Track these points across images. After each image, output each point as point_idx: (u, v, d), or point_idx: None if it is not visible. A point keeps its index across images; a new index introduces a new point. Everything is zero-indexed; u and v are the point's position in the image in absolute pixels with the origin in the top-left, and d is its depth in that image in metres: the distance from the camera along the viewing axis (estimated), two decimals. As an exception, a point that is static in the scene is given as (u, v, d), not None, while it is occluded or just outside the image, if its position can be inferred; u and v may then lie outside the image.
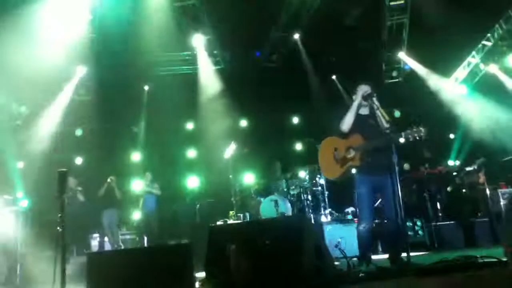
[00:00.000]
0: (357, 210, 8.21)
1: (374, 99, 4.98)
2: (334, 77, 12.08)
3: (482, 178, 9.19)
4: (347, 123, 5.03)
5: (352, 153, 4.98)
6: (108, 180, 9.21)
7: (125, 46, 10.75)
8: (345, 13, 10.74)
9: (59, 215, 3.69)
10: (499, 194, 8.35)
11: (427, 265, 3.71)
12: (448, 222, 8.64)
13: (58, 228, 3.68)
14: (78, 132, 11.48)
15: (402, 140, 4.69)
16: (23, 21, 8.42)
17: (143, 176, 9.83)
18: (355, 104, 5.06)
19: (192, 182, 11.21)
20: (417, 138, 4.61)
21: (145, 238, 9.35)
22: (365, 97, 5.01)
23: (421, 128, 4.59)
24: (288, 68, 11.53)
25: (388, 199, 4.95)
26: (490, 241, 8.03)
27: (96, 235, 9.34)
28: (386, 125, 4.78)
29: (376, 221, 7.78)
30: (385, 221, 5.19)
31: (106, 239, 9.23)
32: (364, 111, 5.15)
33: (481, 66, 11.32)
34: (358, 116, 5.09)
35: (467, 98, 11.76)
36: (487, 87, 11.33)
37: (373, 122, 5.00)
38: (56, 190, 3.86)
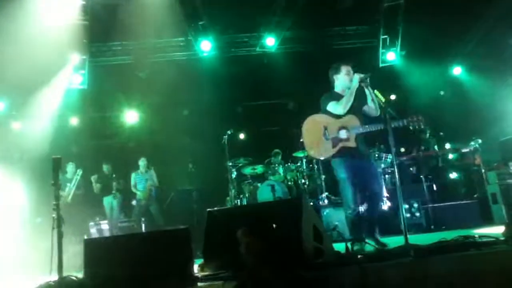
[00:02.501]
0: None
1: (368, 80, 4.95)
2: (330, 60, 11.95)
3: (478, 160, 9.22)
4: (345, 107, 4.98)
5: (345, 134, 4.94)
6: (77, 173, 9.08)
7: (119, 33, 10.65)
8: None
9: (54, 202, 3.65)
10: (495, 175, 8.36)
11: (427, 245, 3.72)
12: (444, 204, 8.67)
13: (53, 216, 3.65)
14: (74, 121, 11.37)
15: (400, 124, 4.69)
16: (13, 8, 8.28)
17: (136, 162, 9.75)
18: (354, 87, 4.99)
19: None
20: (417, 127, 4.65)
21: (143, 225, 9.33)
22: (362, 79, 4.96)
23: (420, 117, 4.63)
24: (284, 53, 11.45)
25: (372, 180, 4.97)
26: (486, 222, 8.08)
27: (92, 223, 9.32)
28: (377, 108, 4.81)
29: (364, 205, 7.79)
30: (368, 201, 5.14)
31: (103, 226, 9.22)
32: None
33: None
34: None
35: (462, 78, 11.77)
36: (483, 67, 11.32)
37: (360, 103, 5.04)
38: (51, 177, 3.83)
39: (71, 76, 10.19)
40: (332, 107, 5.07)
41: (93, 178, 9.49)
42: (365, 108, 5.12)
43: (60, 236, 3.55)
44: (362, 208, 5.77)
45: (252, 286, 2.88)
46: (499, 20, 10.77)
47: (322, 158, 5.22)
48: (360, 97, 5.05)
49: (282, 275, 2.92)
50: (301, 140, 5.43)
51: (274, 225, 3.46)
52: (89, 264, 3.26)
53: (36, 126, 10.11)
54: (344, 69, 5.19)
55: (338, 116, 5.02)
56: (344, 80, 5.16)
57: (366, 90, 4.95)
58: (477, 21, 11.07)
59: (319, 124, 5.10)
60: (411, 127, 4.70)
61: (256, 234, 3.45)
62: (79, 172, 9.06)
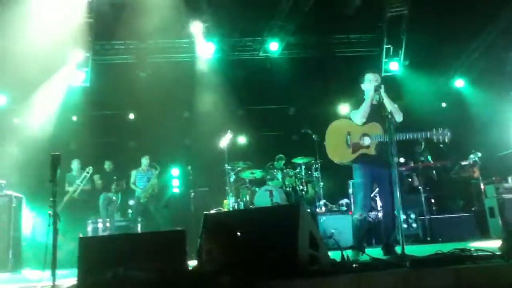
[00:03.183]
0: (352, 200, 8.25)
1: (382, 89, 4.94)
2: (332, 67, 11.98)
3: (476, 173, 9.22)
4: (363, 115, 4.99)
5: (367, 141, 4.93)
6: (86, 171, 9.08)
7: (123, 32, 10.68)
8: (345, 3, 10.65)
9: (51, 199, 3.64)
10: (493, 189, 8.36)
11: (423, 257, 3.70)
12: (441, 216, 8.66)
13: (49, 212, 3.64)
14: (74, 118, 11.36)
15: (425, 136, 4.69)
16: (18, 3, 8.30)
17: (138, 160, 9.72)
18: (370, 96, 5.00)
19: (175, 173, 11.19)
20: (441, 140, 4.63)
21: (139, 225, 9.30)
22: (376, 88, 4.96)
23: (446, 131, 4.59)
24: (287, 58, 11.47)
25: (385, 192, 4.95)
26: (482, 235, 8.08)
27: (90, 221, 9.29)
28: (400, 113, 4.77)
29: (372, 213, 7.80)
30: (381, 212, 5.22)
31: (100, 225, 9.19)
32: (373, 100, 5.07)
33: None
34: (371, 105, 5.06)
35: (464, 91, 11.78)
36: (485, 81, 11.34)
37: (382, 112, 4.89)
38: (49, 174, 3.82)
39: (74, 73, 10.18)
40: (352, 115, 5.11)
41: (96, 176, 9.48)
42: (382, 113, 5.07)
43: (55, 233, 3.54)
44: (369, 217, 5.78)
45: None
46: (502, 34, 10.83)
47: (342, 163, 5.18)
48: (381, 107, 4.98)
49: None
50: (324, 143, 5.40)
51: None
52: (83, 263, 3.24)
53: (37, 122, 10.11)
54: (369, 77, 5.15)
55: (362, 123, 5.03)
56: (367, 88, 5.14)
57: (382, 96, 4.90)
58: (480, 34, 11.12)
59: (343, 129, 5.12)
60: (435, 140, 4.66)
61: (247, 240, 3.45)
62: (89, 170, 9.06)
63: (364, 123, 4.99)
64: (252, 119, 11.87)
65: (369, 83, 5.10)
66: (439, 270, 3.32)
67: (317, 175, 8.99)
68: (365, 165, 4.96)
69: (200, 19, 10.06)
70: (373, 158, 4.90)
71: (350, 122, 5.11)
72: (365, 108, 4.97)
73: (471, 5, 9.28)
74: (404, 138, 4.73)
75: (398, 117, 4.86)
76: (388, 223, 4.90)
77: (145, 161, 9.65)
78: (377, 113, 4.95)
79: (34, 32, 8.65)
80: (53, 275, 3.53)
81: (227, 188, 8.70)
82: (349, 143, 5.03)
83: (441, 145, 9.61)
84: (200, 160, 10.78)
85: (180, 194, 10.40)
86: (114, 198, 9.39)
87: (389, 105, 4.84)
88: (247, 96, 11.62)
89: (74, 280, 3.30)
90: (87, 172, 9.03)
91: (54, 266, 3.43)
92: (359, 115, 4.99)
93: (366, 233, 5.06)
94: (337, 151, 5.13)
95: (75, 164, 9.36)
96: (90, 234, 8.94)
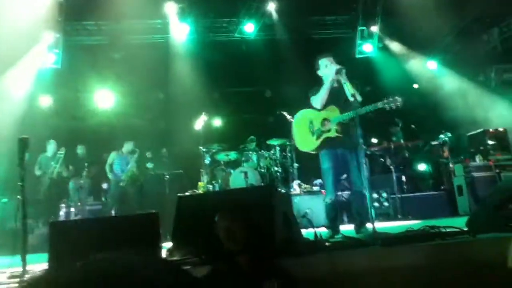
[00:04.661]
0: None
1: (344, 71, 4.96)
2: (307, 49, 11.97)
3: (446, 152, 9.44)
4: (322, 100, 5.04)
5: (328, 125, 5.00)
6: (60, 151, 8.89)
7: (95, 13, 10.40)
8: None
9: (19, 183, 3.56)
10: (462, 168, 8.59)
11: (394, 235, 3.79)
12: (412, 194, 8.87)
13: (18, 196, 3.56)
14: (45, 101, 11.07)
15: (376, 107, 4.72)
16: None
17: (112, 145, 9.56)
18: (329, 80, 5.03)
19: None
20: (394, 107, 4.67)
21: (113, 209, 9.20)
22: (338, 70, 4.98)
23: (397, 98, 4.65)
24: (262, 40, 11.40)
25: (353, 172, 5.03)
26: (451, 213, 8.33)
27: (62, 205, 9.14)
28: (351, 98, 4.79)
29: (344, 192, 7.92)
30: (350, 192, 5.31)
31: (72, 209, 9.06)
32: (332, 83, 5.10)
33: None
34: (330, 89, 5.09)
35: (436, 73, 11.97)
36: (458, 63, 11.54)
37: (342, 95, 4.94)
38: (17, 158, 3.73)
39: (45, 55, 9.89)
40: (312, 100, 5.15)
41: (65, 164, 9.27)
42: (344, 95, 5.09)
43: (24, 217, 3.47)
44: (340, 196, 5.81)
45: (229, 273, 2.87)
46: (476, 19, 11.00)
47: (310, 151, 5.24)
48: (341, 89, 5.03)
49: (260, 264, 2.93)
50: (292, 140, 5.48)
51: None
52: (54, 248, 3.19)
53: (5, 105, 9.81)
54: (323, 63, 5.19)
55: (321, 109, 5.07)
56: (325, 73, 5.16)
57: (343, 83, 4.91)
58: (454, 17, 11.25)
59: (306, 118, 5.21)
60: (387, 108, 4.72)
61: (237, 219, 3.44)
62: (63, 150, 8.86)
63: (324, 108, 5.05)
64: (227, 101, 11.82)
65: (325, 68, 5.15)
66: (410, 247, 3.41)
67: (292, 156, 9.05)
68: (330, 150, 5.03)
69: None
70: (337, 141, 4.97)
71: (311, 110, 5.17)
72: (323, 92, 5.02)
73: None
74: (359, 113, 4.74)
75: (359, 97, 4.86)
76: (359, 202, 5.00)
77: (128, 146, 9.45)
78: (338, 95, 5.01)
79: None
80: (23, 260, 3.48)
81: (202, 170, 8.68)
82: (312, 130, 5.11)
83: (412, 126, 9.89)
84: (175, 142, 10.70)
85: (155, 176, 10.31)
86: (82, 182, 9.25)
87: (350, 87, 4.88)
88: (223, 78, 11.54)
89: (45, 265, 3.25)
90: (61, 153, 8.84)
91: (24, 251, 3.37)
92: (318, 100, 5.05)
93: (337, 215, 5.15)
94: (303, 140, 5.23)
95: (51, 146, 9.10)
96: (62, 218, 8.81)
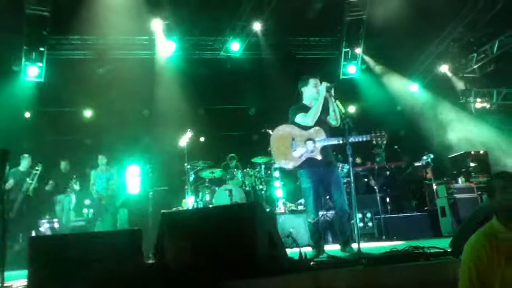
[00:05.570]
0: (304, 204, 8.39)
1: (332, 91, 5.06)
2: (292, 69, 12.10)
3: (429, 173, 9.56)
4: (314, 118, 5.08)
5: (311, 146, 5.03)
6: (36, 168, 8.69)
7: (80, 26, 10.37)
8: (306, 7, 10.80)
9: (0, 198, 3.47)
10: (445, 189, 8.68)
11: (378, 254, 3.80)
12: (396, 215, 8.92)
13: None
14: (27, 115, 10.90)
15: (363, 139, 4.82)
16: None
17: (95, 159, 9.43)
18: (321, 99, 5.10)
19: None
20: (379, 142, 4.78)
21: (96, 225, 9.03)
22: (328, 88, 5.08)
23: (383, 133, 4.77)
24: (248, 58, 11.49)
25: (336, 191, 5.06)
26: (434, 234, 8.38)
27: (44, 220, 8.93)
28: (342, 116, 4.86)
29: (329, 212, 7.93)
30: (334, 211, 5.34)
31: (56, 225, 8.85)
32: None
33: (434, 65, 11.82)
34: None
35: (418, 95, 12.20)
36: (438, 86, 11.81)
37: (324, 115, 5.12)
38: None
39: (27, 68, 9.79)
40: (300, 118, 5.16)
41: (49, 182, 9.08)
42: (328, 118, 5.20)
43: (3, 232, 3.37)
44: (325, 216, 5.78)
45: None
46: (454, 41, 11.31)
47: (288, 167, 5.26)
48: (325, 109, 5.14)
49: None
50: (269, 149, 5.48)
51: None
52: (34, 263, 3.10)
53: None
54: (312, 82, 5.29)
55: (305, 128, 5.12)
56: (312, 92, 5.27)
57: (329, 99, 5.05)
58: (434, 41, 11.56)
59: (288, 135, 5.20)
60: (374, 142, 4.83)
61: (202, 239, 3.43)
62: (39, 167, 8.62)
63: (308, 128, 5.10)
64: (212, 119, 11.82)
65: (313, 87, 5.25)
66: (394, 267, 3.42)
67: (277, 174, 9.04)
68: (310, 170, 5.06)
69: (161, 16, 9.90)
70: (318, 162, 5.01)
71: (293, 127, 5.19)
72: (317, 110, 5.07)
73: (427, 14, 9.62)
74: (342, 142, 4.82)
75: (335, 123, 5.06)
76: (343, 221, 5.01)
77: (101, 160, 9.32)
78: (322, 115, 5.11)
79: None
80: (1, 276, 3.38)
81: (186, 187, 8.60)
82: (295, 148, 5.12)
83: (396, 147, 10.02)
84: (159, 159, 10.62)
85: (138, 193, 10.19)
86: (60, 199, 9.08)
87: (333, 108, 4.99)
88: (208, 95, 11.56)
89: (24, 281, 3.16)
90: (37, 170, 8.61)
91: (2, 265, 3.27)
92: (309, 119, 5.08)
93: (321, 235, 5.15)
94: (284, 156, 5.21)
95: (25, 161, 8.83)
96: (43, 234, 8.61)
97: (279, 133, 5.32)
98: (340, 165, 8.47)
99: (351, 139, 4.71)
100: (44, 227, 8.76)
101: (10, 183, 8.31)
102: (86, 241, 3.37)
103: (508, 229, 2.59)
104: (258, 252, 3.40)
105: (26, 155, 8.81)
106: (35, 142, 10.66)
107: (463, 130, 10.91)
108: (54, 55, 10.40)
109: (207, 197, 8.81)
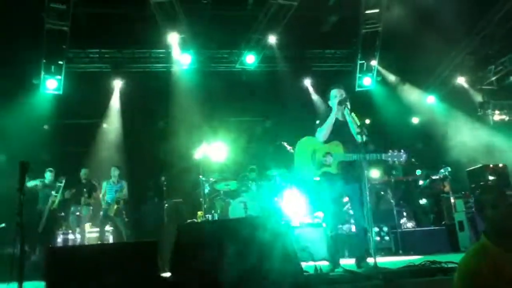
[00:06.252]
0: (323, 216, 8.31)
1: (348, 103, 5.01)
2: (307, 81, 12.12)
3: (447, 187, 9.41)
4: (324, 136, 5.01)
5: (330, 160, 4.98)
6: (59, 180, 8.83)
7: (98, 41, 10.59)
8: (321, 19, 10.86)
9: (18, 208, 3.53)
10: (463, 203, 8.54)
11: (395, 269, 3.74)
12: (413, 229, 8.79)
13: (17, 222, 3.52)
14: (46, 127, 11.09)
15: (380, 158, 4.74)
16: None
17: (109, 171, 9.52)
18: (332, 115, 5.04)
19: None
20: (397, 162, 4.69)
21: (111, 236, 9.09)
22: (340, 102, 5.02)
23: (402, 153, 4.66)
24: (263, 71, 11.55)
25: (356, 207, 5.01)
26: (452, 248, 8.23)
27: (60, 232, 9.03)
28: (357, 129, 4.78)
29: (345, 226, 7.86)
30: (353, 226, 5.28)
31: (70, 236, 8.94)
32: (339, 115, 5.10)
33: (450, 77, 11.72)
34: (335, 122, 5.07)
35: (435, 107, 12.08)
36: (455, 98, 11.69)
37: (347, 129, 4.97)
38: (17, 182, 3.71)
39: (46, 81, 9.99)
40: (316, 133, 5.12)
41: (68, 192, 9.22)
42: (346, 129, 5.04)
43: (22, 244, 3.42)
44: (340, 229, 5.75)
45: None
46: (470, 54, 11.22)
47: (308, 180, 5.24)
48: (346, 123, 5.01)
49: None
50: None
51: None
52: (51, 274, 3.13)
53: (6, 131, 9.84)
54: (333, 93, 5.18)
55: (326, 141, 5.04)
56: (334, 104, 5.14)
57: (345, 113, 4.94)
58: (450, 53, 11.47)
59: (309, 147, 5.18)
60: (390, 161, 4.73)
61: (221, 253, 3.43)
62: (63, 180, 8.79)
63: (328, 141, 5.02)
64: (227, 131, 11.86)
65: (334, 99, 5.12)
66: (411, 282, 3.37)
67: (292, 187, 8.98)
68: (329, 183, 4.99)
69: (177, 30, 10.03)
70: (335, 176, 4.95)
71: (316, 140, 5.13)
72: (327, 126, 4.99)
73: (443, 26, 9.57)
74: (361, 159, 4.69)
75: (358, 137, 4.75)
76: (360, 236, 4.95)
77: (114, 172, 9.39)
78: (343, 129, 4.99)
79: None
80: (19, 286, 3.41)
81: (201, 199, 8.61)
82: (314, 160, 5.08)
83: (413, 159, 9.91)
84: (174, 171, 10.67)
85: (153, 205, 10.22)
86: (79, 209, 9.19)
87: (355, 120, 4.89)
88: (223, 107, 11.62)
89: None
90: (61, 182, 8.78)
91: (21, 277, 3.31)
92: (321, 134, 5.02)
93: (339, 248, 5.08)
94: (304, 167, 5.20)
95: (50, 174, 9.05)
96: (62, 244, 8.71)
97: (302, 145, 5.32)
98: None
99: (366, 157, 4.60)
100: (60, 238, 8.86)
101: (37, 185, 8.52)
102: (102, 253, 3.39)
103: (499, 247, 2.33)
104: (273, 266, 3.38)
105: (50, 169, 9.02)
106: (53, 154, 10.82)
107: (481, 143, 10.75)
108: (72, 68, 10.61)
109: (222, 210, 8.79)
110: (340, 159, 4.91)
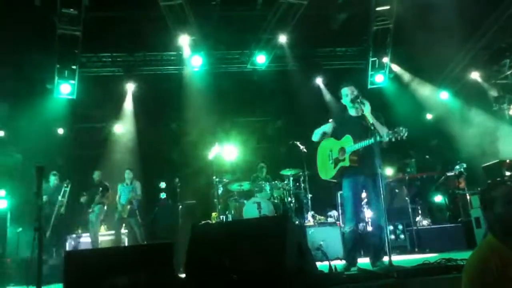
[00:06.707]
0: (340, 212, 8.29)
1: (360, 99, 4.98)
2: (319, 80, 12.07)
3: (462, 184, 9.30)
4: (316, 135, 5.29)
5: (343, 154, 5.00)
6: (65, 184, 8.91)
7: (110, 45, 10.68)
8: (331, 17, 10.81)
9: (36, 212, 3.58)
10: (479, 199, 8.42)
11: (410, 267, 3.72)
12: (428, 227, 8.71)
13: (35, 227, 3.58)
14: (60, 131, 11.22)
15: (385, 140, 4.69)
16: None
17: (122, 173, 9.59)
18: (330, 125, 5.27)
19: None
20: (399, 138, 4.63)
21: (126, 239, 9.16)
22: (352, 100, 5.02)
23: (401, 128, 4.62)
24: (274, 71, 11.55)
25: (371, 202, 5.00)
26: (469, 246, 8.11)
27: (73, 235, 9.13)
28: (382, 131, 4.75)
29: (360, 224, 7.80)
30: (369, 224, 5.26)
31: (82, 239, 9.03)
32: (353, 112, 5.18)
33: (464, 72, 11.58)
34: (349, 118, 5.19)
35: (449, 103, 11.95)
36: (469, 93, 11.55)
37: (365, 123, 4.91)
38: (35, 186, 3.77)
39: (60, 86, 10.10)
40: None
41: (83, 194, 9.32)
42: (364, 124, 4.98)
43: (40, 248, 3.47)
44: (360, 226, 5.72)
45: None
46: (483, 49, 11.07)
47: (327, 179, 5.29)
48: (360, 118, 5.03)
49: None
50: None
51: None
52: (68, 278, 3.18)
53: (21, 135, 10.00)
54: (344, 92, 5.21)
55: (338, 138, 5.13)
56: (346, 101, 5.21)
57: (365, 111, 4.90)
58: (462, 48, 11.34)
59: (327, 148, 5.29)
60: (393, 139, 4.67)
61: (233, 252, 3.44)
62: (68, 183, 8.88)
63: (340, 138, 5.09)
64: (240, 131, 11.88)
65: (346, 97, 5.18)
66: (426, 280, 3.34)
67: (305, 186, 8.98)
68: (347, 178, 5.04)
69: (188, 32, 10.08)
70: (350, 169, 4.96)
71: (332, 139, 5.23)
72: (321, 128, 5.28)
73: (455, 20, 9.47)
74: (366, 144, 4.73)
75: (382, 131, 4.69)
76: (376, 234, 4.93)
77: (127, 174, 9.48)
78: (355, 125, 5.03)
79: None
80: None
81: (215, 200, 8.64)
82: (331, 158, 5.16)
83: (427, 157, 9.81)
84: (187, 172, 10.73)
85: (167, 207, 10.29)
86: (98, 212, 9.27)
87: (371, 117, 4.86)
88: (235, 108, 11.65)
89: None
90: (66, 186, 8.85)
91: (39, 281, 3.36)
92: (314, 134, 5.31)
93: (356, 245, 5.06)
94: (324, 168, 5.31)
95: (53, 177, 9.09)
96: (71, 248, 8.79)
97: (321, 147, 5.42)
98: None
99: (366, 143, 4.68)
100: (69, 243, 8.95)
101: (44, 197, 8.56)
102: (118, 255, 3.43)
103: (506, 246, 2.29)
104: (287, 266, 3.39)
105: (54, 172, 9.11)
106: (67, 157, 10.95)
107: (497, 138, 10.60)
108: (84, 72, 10.73)
109: (236, 211, 8.82)
110: (351, 150, 4.92)
